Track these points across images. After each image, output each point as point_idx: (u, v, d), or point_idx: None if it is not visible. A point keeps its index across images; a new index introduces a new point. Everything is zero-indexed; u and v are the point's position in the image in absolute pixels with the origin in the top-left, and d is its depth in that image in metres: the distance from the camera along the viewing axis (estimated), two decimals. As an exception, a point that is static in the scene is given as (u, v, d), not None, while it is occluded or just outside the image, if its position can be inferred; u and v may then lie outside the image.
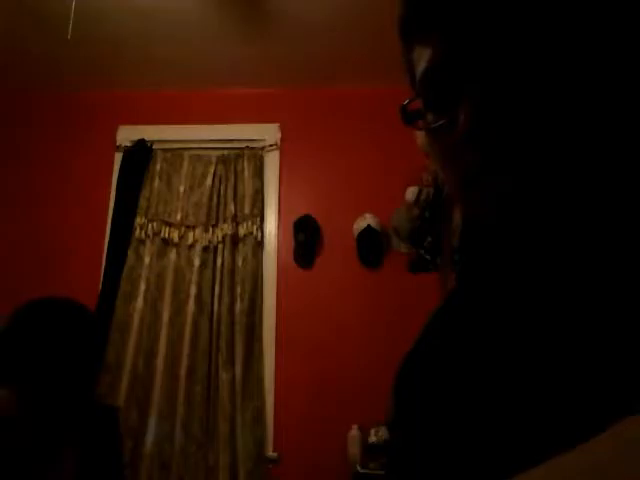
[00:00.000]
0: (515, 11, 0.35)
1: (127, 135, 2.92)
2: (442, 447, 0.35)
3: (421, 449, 0.37)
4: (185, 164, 2.85)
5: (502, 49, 0.35)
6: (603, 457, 0.25)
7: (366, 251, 2.66)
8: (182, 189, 2.80)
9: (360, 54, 2.62)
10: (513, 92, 0.35)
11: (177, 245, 2.72)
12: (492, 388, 0.33)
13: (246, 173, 2.80)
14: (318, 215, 2.73)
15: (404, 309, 2.55)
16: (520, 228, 0.38)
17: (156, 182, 2.80)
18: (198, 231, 2.72)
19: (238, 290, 2.64)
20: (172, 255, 2.72)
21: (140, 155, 2.84)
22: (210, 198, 2.76)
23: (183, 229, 2.74)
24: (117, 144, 2.91)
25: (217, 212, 2.75)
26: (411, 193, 2.50)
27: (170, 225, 2.74)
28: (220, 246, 2.69)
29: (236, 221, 2.73)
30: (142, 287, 2.65)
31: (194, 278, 2.64)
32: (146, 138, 2.87)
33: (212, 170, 2.80)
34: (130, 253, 2.69)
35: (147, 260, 2.69)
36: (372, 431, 2.32)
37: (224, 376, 2.49)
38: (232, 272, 2.66)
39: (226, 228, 2.70)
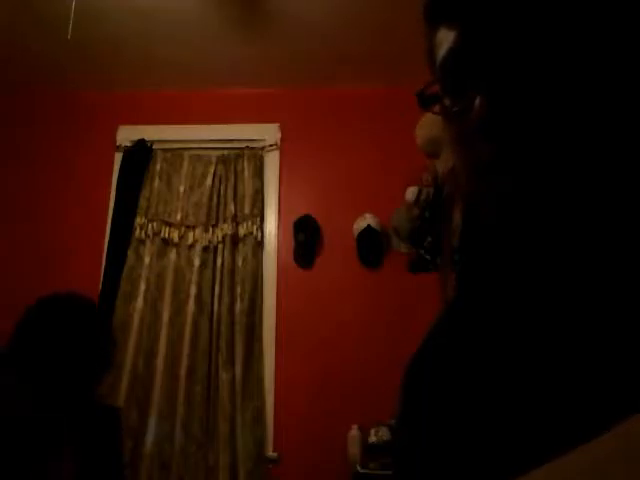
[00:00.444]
0: (537, 5, 0.36)
1: (127, 135, 2.92)
2: (446, 447, 0.35)
3: (426, 448, 0.37)
4: (185, 164, 2.85)
5: (521, 41, 0.36)
6: (604, 457, 0.25)
7: (366, 251, 2.66)
8: (182, 189, 2.80)
9: (360, 54, 2.62)
10: (527, 86, 0.36)
11: (177, 245, 2.72)
12: (495, 388, 0.33)
13: (246, 173, 2.80)
14: (318, 215, 2.73)
15: (404, 309, 2.55)
16: (520, 228, 0.38)
17: (156, 182, 2.80)
18: (198, 231, 2.72)
19: (238, 290, 2.64)
20: (172, 255, 2.72)
21: (140, 155, 2.84)
22: (210, 198, 2.76)
23: (183, 229, 2.74)
24: (117, 144, 2.91)
25: (217, 212, 2.75)
26: (411, 193, 2.50)
27: (170, 225, 2.74)
28: (220, 246, 2.69)
29: (236, 221, 2.73)
30: (142, 287, 2.65)
31: (194, 278, 2.64)
32: (146, 138, 2.87)
33: (212, 170, 2.80)
34: (130, 253, 2.69)
35: (147, 260, 2.69)
36: (372, 431, 2.32)
37: (224, 376, 2.49)
38: (232, 272, 2.66)
39: (226, 228, 2.70)
